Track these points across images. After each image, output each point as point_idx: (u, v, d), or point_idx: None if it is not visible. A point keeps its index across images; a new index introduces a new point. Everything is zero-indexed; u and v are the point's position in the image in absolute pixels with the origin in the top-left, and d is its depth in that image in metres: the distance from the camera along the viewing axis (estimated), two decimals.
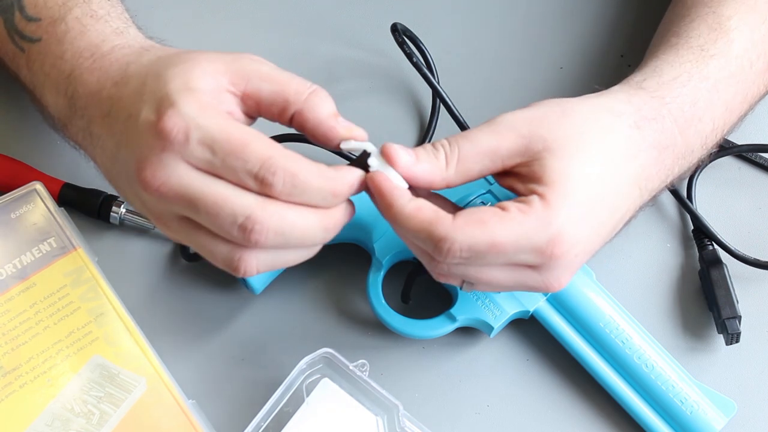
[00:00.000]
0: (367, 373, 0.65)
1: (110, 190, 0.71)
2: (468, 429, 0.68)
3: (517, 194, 0.59)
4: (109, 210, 0.71)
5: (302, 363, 0.65)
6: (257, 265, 0.57)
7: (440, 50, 0.76)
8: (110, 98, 0.59)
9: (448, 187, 0.58)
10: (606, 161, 0.58)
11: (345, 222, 0.58)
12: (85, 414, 0.64)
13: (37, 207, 0.69)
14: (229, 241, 0.56)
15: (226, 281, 0.70)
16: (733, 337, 0.69)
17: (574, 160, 0.57)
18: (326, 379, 0.66)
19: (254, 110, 0.58)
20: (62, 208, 0.70)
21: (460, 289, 0.61)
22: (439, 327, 0.67)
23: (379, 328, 0.69)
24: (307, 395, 0.65)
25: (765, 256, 0.73)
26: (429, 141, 0.75)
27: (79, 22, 0.64)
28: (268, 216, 0.54)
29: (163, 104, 0.55)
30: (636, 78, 0.64)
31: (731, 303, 0.70)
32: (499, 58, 0.80)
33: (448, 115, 0.73)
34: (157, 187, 0.55)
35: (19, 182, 0.70)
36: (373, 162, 0.58)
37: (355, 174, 0.57)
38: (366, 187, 0.58)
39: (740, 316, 0.69)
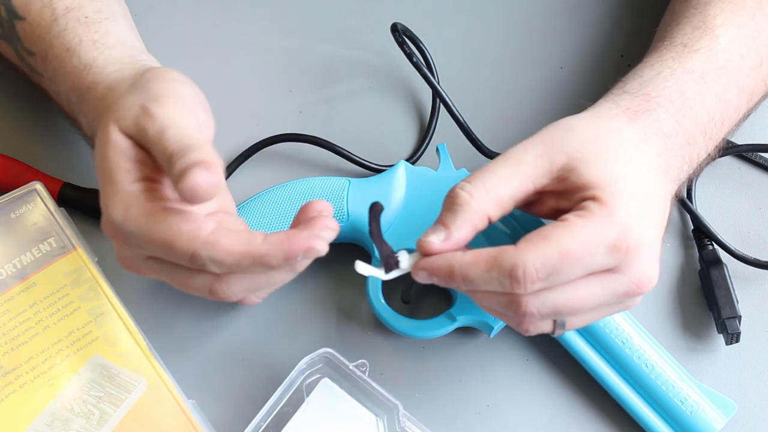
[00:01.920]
0: (367, 373, 0.65)
1: None
2: (468, 429, 0.68)
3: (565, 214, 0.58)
4: None
5: (302, 363, 0.65)
6: (234, 296, 0.59)
7: (440, 50, 0.76)
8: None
9: (490, 221, 0.58)
10: (625, 155, 0.59)
11: (308, 262, 0.58)
12: (85, 414, 0.64)
13: (37, 207, 0.69)
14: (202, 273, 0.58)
15: None
16: (733, 337, 0.69)
17: (602, 162, 0.58)
18: (326, 379, 0.66)
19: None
20: (62, 208, 0.70)
21: (552, 334, 0.59)
22: (439, 327, 0.67)
23: (379, 328, 0.69)
24: (307, 395, 0.65)
25: (765, 256, 0.73)
26: (429, 141, 0.75)
27: (58, 60, 0.65)
28: (228, 282, 0.57)
29: (101, 200, 0.58)
30: (618, 85, 0.64)
31: (731, 303, 0.70)
32: (499, 58, 0.80)
33: (448, 115, 0.73)
34: (127, 266, 0.60)
35: (19, 182, 0.70)
36: (404, 258, 0.59)
37: (292, 242, 0.55)
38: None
39: (740, 316, 0.69)
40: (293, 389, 0.65)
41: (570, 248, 0.54)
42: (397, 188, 0.69)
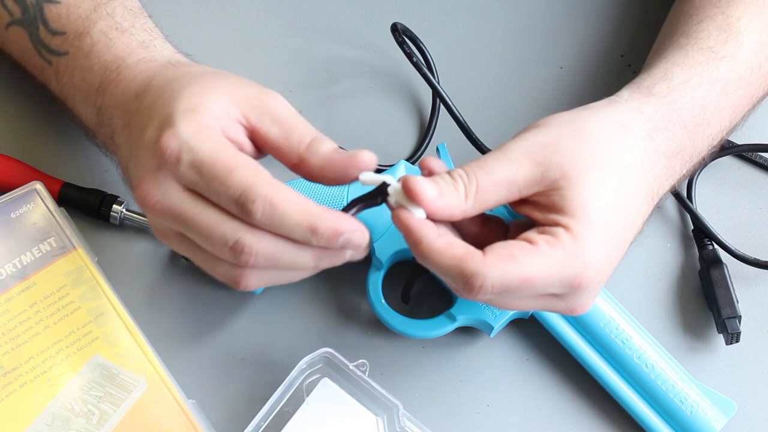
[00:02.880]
0: (367, 372, 0.65)
1: (110, 190, 0.71)
2: (468, 429, 0.68)
3: (535, 222, 0.58)
4: (109, 210, 0.71)
5: (302, 363, 0.65)
6: (257, 282, 0.58)
7: (440, 50, 0.76)
8: (130, 110, 0.60)
9: (464, 218, 0.58)
10: (622, 182, 0.58)
11: (345, 259, 0.58)
12: (85, 414, 0.64)
13: (37, 207, 0.69)
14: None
15: None
16: (733, 337, 0.69)
17: (592, 188, 0.57)
18: (326, 379, 0.66)
19: (262, 148, 0.58)
20: (62, 208, 0.70)
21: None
22: (439, 327, 0.67)
23: (379, 328, 0.69)
24: (307, 395, 0.65)
25: (765, 256, 0.73)
26: (429, 141, 0.75)
27: (105, 35, 0.64)
28: (257, 240, 0.55)
29: (165, 123, 0.56)
30: (646, 82, 0.63)
31: (731, 303, 0.70)
32: (499, 58, 0.80)
33: (448, 115, 0.73)
34: (153, 204, 0.56)
35: (19, 182, 0.70)
36: (393, 193, 0.57)
37: (343, 221, 0.56)
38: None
39: (740, 316, 0.69)
40: (293, 389, 0.65)
41: (531, 276, 0.55)
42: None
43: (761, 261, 0.72)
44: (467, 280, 0.55)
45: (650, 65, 0.66)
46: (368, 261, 0.69)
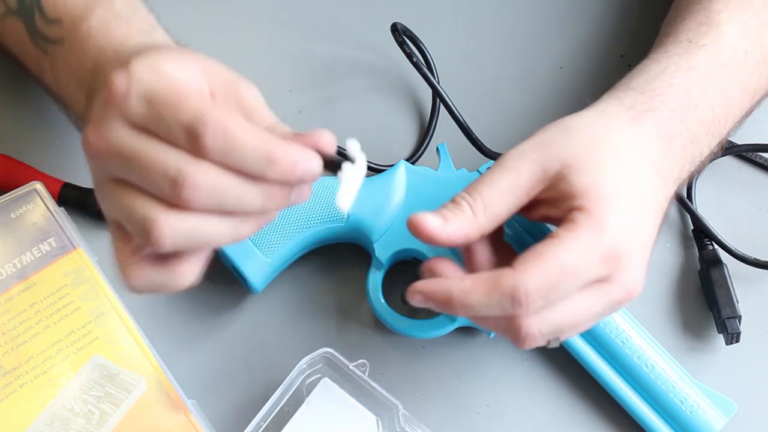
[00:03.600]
0: (367, 372, 0.65)
1: None
2: (468, 429, 0.68)
3: (554, 221, 0.58)
4: None
5: (302, 363, 0.65)
6: (173, 233, 0.51)
7: (440, 50, 0.76)
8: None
9: (483, 235, 0.58)
10: (620, 160, 0.58)
11: (290, 201, 0.54)
12: (85, 414, 0.64)
13: (37, 207, 0.69)
14: (152, 200, 0.52)
15: (226, 280, 0.70)
16: (733, 337, 0.69)
17: (595, 168, 0.57)
18: (326, 379, 0.66)
19: None
20: (62, 208, 0.70)
21: (547, 346, 0.59)
22: (439, 327, 0.67)
23: (379, 328, 0.69)
24: (307, 395, 0.65)
25: (765, 256, 0.73)
26: (429, 141, 0.75)
27: (103, 22, 0.63)
28: (203, 171, 0.51)
29: (121, 66, 0.54)
30: (623, 81, 0.64)
31: (731, 303, 0.70)
32: (499, 57, 0.80)
33: (448, 115, 0.73)
34: (94, 144, 0.53)
35: (19, 182, 0.70)
36: (348, 167, 0.56)
37: (302, 152, 0.52)
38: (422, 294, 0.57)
39: (740, 316, 0.69)
40: (293, 389, 0.65)
41: (566, 263, 0.55)
42: (397, 188, 0.69)
43: (761, 261, 0.72)
44: (511, 296, 0.54)
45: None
46: (368, 261, 0.69)
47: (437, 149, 0.71)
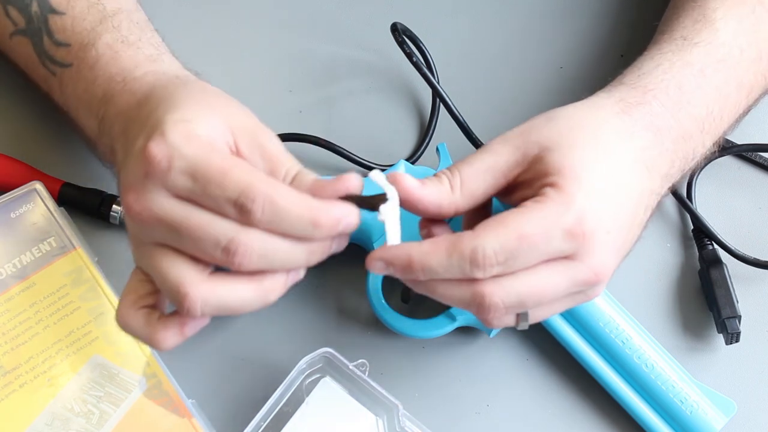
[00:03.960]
0: (367, 372, 0.65)
1: (110, 190, 0.71)
2: (468, 429, 0.68)
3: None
4: (109, 210, 0.71)
5: (302, 363, 0.65)
6: (203, 306, 0.55)
7: (440, 50, 0.76)
8: (129, 118, 0.60)
9: (457, 212, 0.58)
10: (601, 145, 0.58)
11: (330, 252, 0.57)
12: (85, 414, 0.64)
13: (36, 207, 0.69)
14: (190, 266, 0.55)
15: None
16: (733, 337, 0.69)
17: (573, 150, 0.57)
18: (326, 379, 0.66)
19: None
20: (62, 208, 0.70)
21: (516, 327, 0.58)
22: (439, 327, 0.67)
23: (379, 328, 0.69)
24: (307, 395, 0.65)
25: (765, 256, 0.73)
26: (429, 141, 0.75)
27: (111, 48, 0.64)
28: (252, 239, 0.54)
29: (154, 131, 0.55)
30: (617, 77, 0.64)
31: (731, 303, 0.70)
32: (499, 58, 0.80)
33: (448, 115, 0.73)
34: (139, 212, 0.55)
35: (19, 182, 0.70)
36: (385, 208, 0.57)
37: (343, 209, 0.55)
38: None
39: (740, 316, 0.69)
40: (293, 389, 0.65)
41: (527, 232, 0.54)
42: None
43: (761, 261, 0.72)
44: (469, 257, 0.54)
45: None
46: None
47: (437, 149, 0.71)
